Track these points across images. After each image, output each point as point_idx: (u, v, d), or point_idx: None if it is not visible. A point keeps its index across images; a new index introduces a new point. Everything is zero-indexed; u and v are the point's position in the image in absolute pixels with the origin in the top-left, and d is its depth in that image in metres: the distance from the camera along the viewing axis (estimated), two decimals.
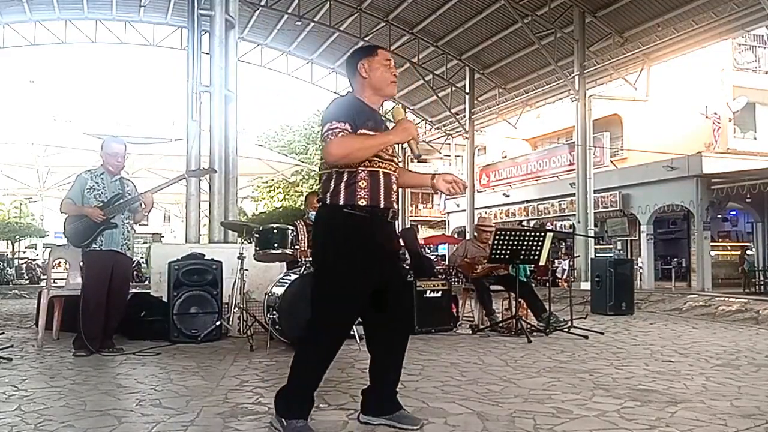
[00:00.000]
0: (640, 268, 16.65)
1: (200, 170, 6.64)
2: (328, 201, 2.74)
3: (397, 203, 2.87)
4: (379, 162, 2.74)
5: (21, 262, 23.65)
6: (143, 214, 5.21)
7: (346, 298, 2.68)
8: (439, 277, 9.83)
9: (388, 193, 2.76)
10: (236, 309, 5.95)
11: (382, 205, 2.74)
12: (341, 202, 2.69)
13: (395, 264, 2.92)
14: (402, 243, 13.28)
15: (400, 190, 3.14)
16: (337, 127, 2.63)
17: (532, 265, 7.94)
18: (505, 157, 26.17)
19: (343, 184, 2.70)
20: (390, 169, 2.81)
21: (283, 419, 2.67)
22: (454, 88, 20.95)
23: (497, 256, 6.48)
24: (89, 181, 4.95)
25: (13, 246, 30.72)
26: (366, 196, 2.69)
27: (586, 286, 12.45)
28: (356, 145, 2.63)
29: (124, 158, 5.14)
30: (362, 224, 2.68)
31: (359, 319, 2.96)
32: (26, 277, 20.78)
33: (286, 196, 38.05)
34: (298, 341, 2.81)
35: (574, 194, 16.61)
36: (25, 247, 36.09)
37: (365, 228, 2.69)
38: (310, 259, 5.23)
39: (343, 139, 2.62)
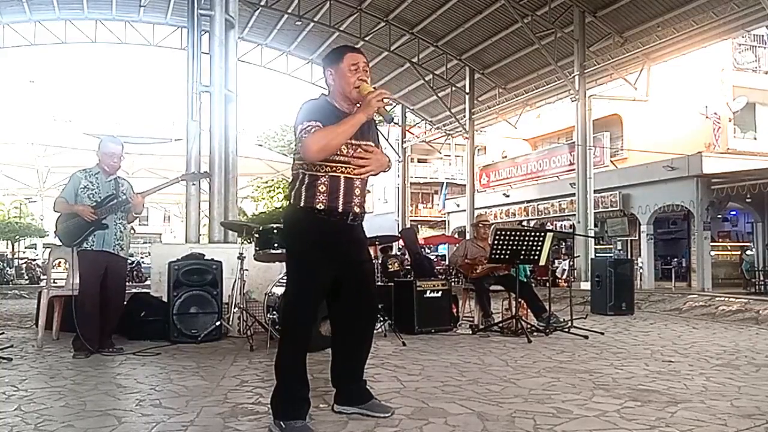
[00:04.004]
0: (640, 268, 16.62)
1: (196, 174, 6.74)
2: (291, 200, 2.90)
3: (361, 207, 2.92)
4: (342, 167, 2.81)
5: (21, 262, 23.60)
6: (134, 215, 5.17)
7: (304, 286, 2.83)
8: (439, 277, 9.85)
9: (348, 198, 2.84)
10: (236, 309, 5.95)
11: (339, 210, 2.83)
12: (301, 204, 2.83)
13: (357, 260, 2.98)
14: (402, 243, 13.35)
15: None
16: (309, 125, 2.71)
17: (532, 265, 7.94)
18: (505, 157, 26.18)
19: (304, 187, 2.83)
20: (354, 173, 2.85)
21: (281, 422, 2.69)
22: (454, 88, 20.94)
23: (497, 256, 6.47)
24: (83, 180, 4.91)
25: (13, 246, 30.72)
26: (323, 201, 2.80)
27: (586, 286, 12.44)
28: (330, 135, 2.70)
29: (121, 159, 5.10)
30: (318, 224, 2.81)
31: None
32: (26, 277, 20.75)
33: (286, 197, 37.97)
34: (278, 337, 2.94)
35: (574, 194, 16.61)
36: (25, 247, 36.10)
37: (321, 227, 2.81)
38: None
39: (316, 133, 2.69)
